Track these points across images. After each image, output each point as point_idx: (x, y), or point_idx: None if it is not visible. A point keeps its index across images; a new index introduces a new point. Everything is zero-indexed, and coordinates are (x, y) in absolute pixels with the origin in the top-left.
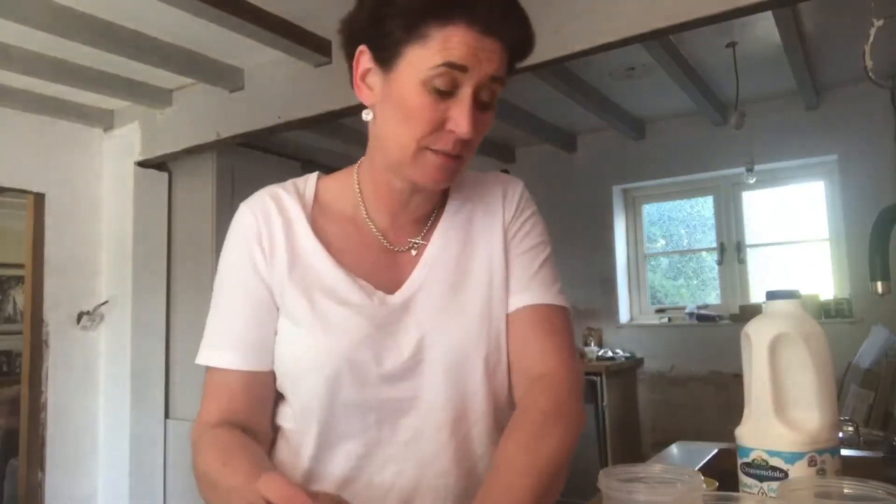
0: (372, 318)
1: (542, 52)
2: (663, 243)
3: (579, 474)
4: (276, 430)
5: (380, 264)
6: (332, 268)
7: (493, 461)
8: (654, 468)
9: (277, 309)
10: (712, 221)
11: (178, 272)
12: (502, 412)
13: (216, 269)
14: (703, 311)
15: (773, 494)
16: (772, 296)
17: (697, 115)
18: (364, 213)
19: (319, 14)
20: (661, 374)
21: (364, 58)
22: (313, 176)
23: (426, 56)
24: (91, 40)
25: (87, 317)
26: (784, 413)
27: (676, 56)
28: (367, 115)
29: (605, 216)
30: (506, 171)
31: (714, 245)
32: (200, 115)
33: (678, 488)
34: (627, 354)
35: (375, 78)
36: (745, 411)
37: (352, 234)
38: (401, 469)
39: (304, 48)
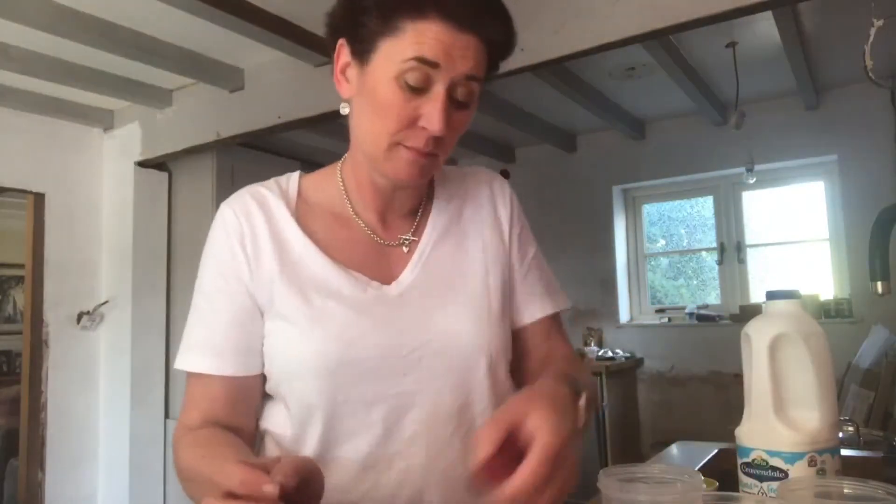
0: (369, 312)
1: (542, 52)
2: (663, 243)
3: (579, 474)
4: (261, 435)
5: (371, 258)
6: (324, 262)
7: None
8: (654, 468)
9: (262, 313)
10: (712, 221)
11: (178, 272)
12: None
13: None
14: (703, 311)
15: (773, 494)
16: (772, 296)
17: (697, 115)
18: (350, 208)
19: (319, 14)
20: (660, 374)
21: (343, 51)
22: (295, 173)
23: (398, 49)
24: (91, 40)
25: (87, 317)
26: (784, 413)
27: (676, 56)
28: (343, 109)
29: (605, 216)
30: (506, 171)
31: (714, 245)
32: (200, 115)
33: (678, 488)
34: (627, 354)
35: (353, 71)
36: (745, 411)
37: (339, 229)
38: (409, 465)
39: (304, 48)
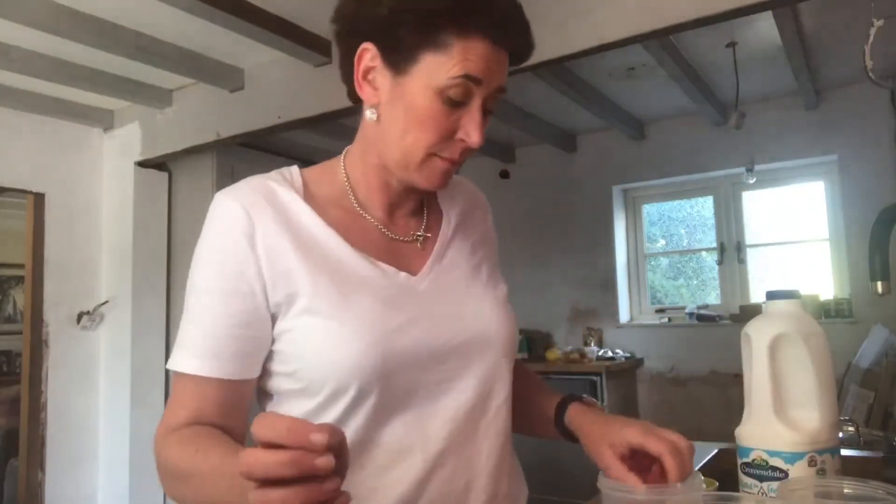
0: (403, 302)
1: (543, 51)
2: (663, 243)
3: (579, 474)
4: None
5: (388, 251)
6: (350, 252)
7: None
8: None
9: (271, 312)
10: (712, 221)
11: (178, 272)
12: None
13: None
14: (703, 311)
15: (773, 494)
16: (772, 296)
17: (697, 115)
18: (355, 203)
19: (320, 14)
20: (661, 374)
21: (368, 55)
22: (294, 167)
23: (443, 65)
24: (91, 40)
25: (87, 317)
26: (784, 413)
27: (676, 56)
28: (371, 115)
29: (605, 216)
30: (506, 171)
31: (714, 245)
32: (200, 115)
33: (678, 488)
34: (627, 354)
35: (382, 78)
36: (745, 411)
37: (351, 222)
38: (443, 449)
39: (304, 48)
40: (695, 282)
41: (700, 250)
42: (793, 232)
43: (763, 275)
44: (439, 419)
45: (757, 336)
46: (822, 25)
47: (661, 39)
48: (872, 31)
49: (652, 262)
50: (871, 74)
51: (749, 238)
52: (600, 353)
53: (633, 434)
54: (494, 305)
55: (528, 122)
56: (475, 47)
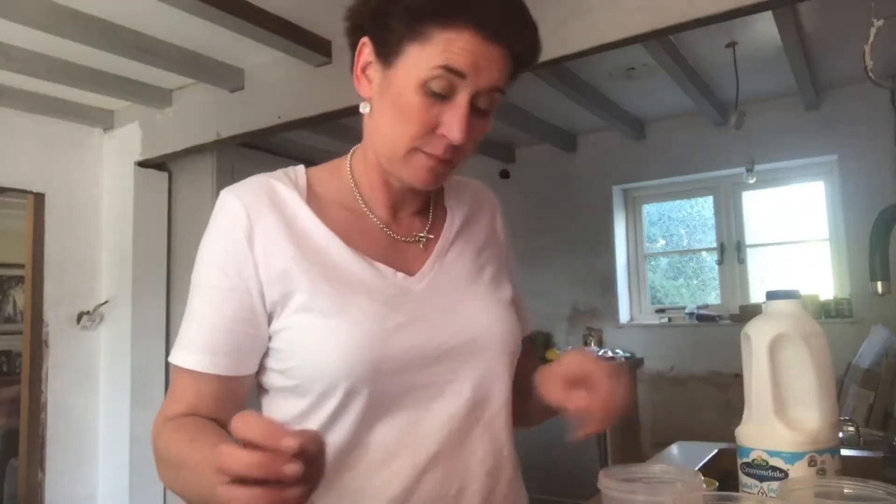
0: (398, 304)
1: (543, 51)
2: (663, 243)
3: (579, 474)
4: None
5: (389, 251)
6: (348, 253)
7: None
8: (654, 468)
9: (267, 311)
10: (712, 221)
11: (178, 272)
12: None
13: None
14: (703, 311)
15: (773, 494)
16: (772, 296)
17: (697, 115)
18: (361, 203)
19: (319, 14)
20: (661, 375)
21: (366, 50)
22: (300, 166)
23: (426, 56)
24: (91, 40)
25: (87, 317)
26: (784, 413)
27: (676, 56)
28: (363, 108)
29: (605, 216)
30: (506, 171)
31: (714, 245)
32: (200, 115)
33: (678, 488)
34: (627, 354)
35: (375, 72)
36: (745, 411)
37: (353, 222)
38: (437, 451)
39: (304, 48)
40: (695, 282)
41: (700, 250)
42: (793, 232)
43: (763, 275)
44: (431, 422)
45: (757, 336)
46: (822, 25)
47: (661, 39)
48: (872, 31)
49: (652, 262)
50: (871, 74)
51: (749, 238)
52: (600, 353)
53: (567, 362)
54: (494, 308)
55: (528, 122)
56: (459, 40)
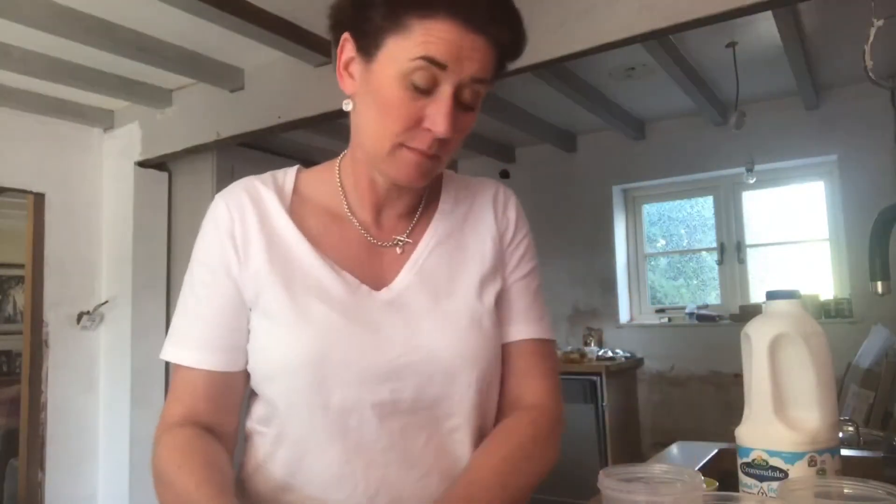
0: (356, 315)
1: (542, 52)
2: (663, 243)
3: (579, 474)
4: (247, 434)
5: (363, 259)
6: (315, 260)
7: (465, 466)
8: (654, 468)
9: (249, 308)
10: (712, 221)
11: (178, 272)
12: (487, 422)
13: None
14: (703, 311)
15: (773, 494)
16: (772, 296)
17: (697, 115)
18: (346, 206)
19: (320, 14)
20: (660, 374)
21: (348, 46)
22: (293, 168)
23: (405, 48)
24: (91, 40)
25: (87, 317)
26: (784, 413)
27: (676, 56)
28: (347, 106)
29: (605, 216)
30: (506, 171)
31: (714, 245)
32: (200, 115)
33: (678, 488)
34: (627, 354)
35: (357, 67)
36: (745, 411)
37: (333, 227)
38: (384, 473)
39: (304, 48)
40: (695, 282)
41: (700, 250)
42: (793, 232)
43: (763, 275)
44: (381, 444)
45: (757, 336)
46: (822, 25)
47: (661, 39)
48: (872, 31)
49: (652, 262)
50: (871, 74)
51: (749, 238)
52: (600, 353)
53: None
54: (465, 328)
55: (528, 122)
56: (439, 29)
